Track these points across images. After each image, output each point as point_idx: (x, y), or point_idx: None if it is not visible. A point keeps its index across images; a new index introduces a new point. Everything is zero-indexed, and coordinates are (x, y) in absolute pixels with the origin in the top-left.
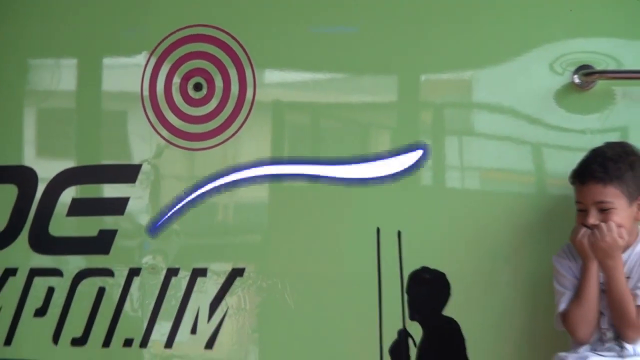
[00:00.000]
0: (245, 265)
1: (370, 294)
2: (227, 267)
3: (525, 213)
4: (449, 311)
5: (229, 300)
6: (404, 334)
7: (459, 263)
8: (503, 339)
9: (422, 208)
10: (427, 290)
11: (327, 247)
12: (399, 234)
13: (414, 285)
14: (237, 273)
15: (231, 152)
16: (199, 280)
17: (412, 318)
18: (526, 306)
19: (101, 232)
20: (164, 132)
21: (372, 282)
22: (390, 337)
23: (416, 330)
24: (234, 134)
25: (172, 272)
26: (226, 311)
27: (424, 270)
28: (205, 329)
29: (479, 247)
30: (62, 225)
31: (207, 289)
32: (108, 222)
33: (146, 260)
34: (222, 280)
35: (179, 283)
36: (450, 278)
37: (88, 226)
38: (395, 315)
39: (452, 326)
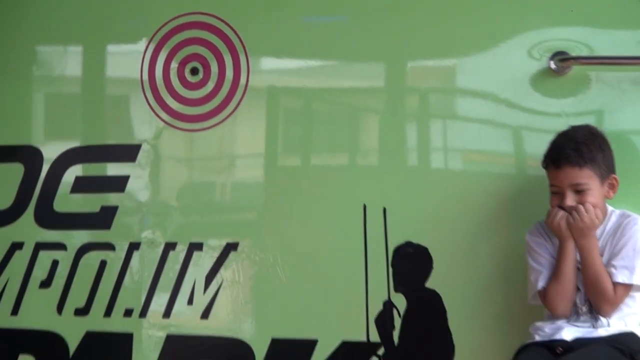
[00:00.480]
0: (239, 241)
1: (357, 267)
2: (222, 242)
3: (504, 192)
4: (431, 283)
5: (224, 273)
6: (389, 305)
7: (441, 238)
8: (483, 309)
9: (407, 187)
10: (410, 263)
11: (316, 223)
12: (384, 210)
13: (398, 259)
14: (231, 247)
15: (226, 133)
16: (196, 254)
17: (396, 290)
18: (505, 279)
19: (103, 208)
20: (163, 114)
21: (359, 255)
22: (376, 307)
23: (400, 302)
24: (228, 116)
25: (170, 247)
26: (221, 283)
27: (408, 244)
28: (201, 300)
29: (460, 224)
30: (66, 201)
31: (203, 262)
32: (110, 199)
33: (145, 235)
34: (217, 254)
35: (177, 257)
36: (432, 252)
37: (91, 203)
38: (381, 287)
39: (435, 298)
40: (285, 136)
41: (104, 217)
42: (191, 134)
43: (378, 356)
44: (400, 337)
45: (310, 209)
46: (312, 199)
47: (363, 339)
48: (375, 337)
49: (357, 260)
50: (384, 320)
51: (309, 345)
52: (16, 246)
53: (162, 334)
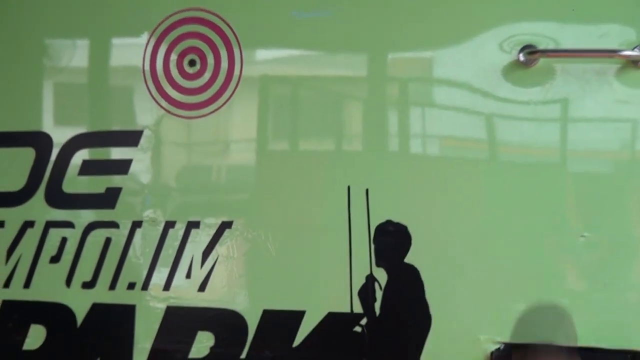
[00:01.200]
0: (233, 219)
1: (341, 244)
2: (218, 221)
3: (477, 175)
4: (410, 259)
5: (219, 249)
6: (371, 279)
7: (419, 217)
8: (457, 282)
9: (388, 170)
10: (391, 240)
11: (304, 203)
12: (367, 191)
13: (379, 236)
14: (226, 226)
15: (221, 120)
16: (193, 231)
17: (378, 265)
18: (477, 254)
19: (108, 189)
20: (163, 103)
21: (344, 233)
22: (359, 281)
23: (382, 276)
24: (223, 104)
25: (169, 225)
26: (217, 259)
27: (389, 223)
28: (199, 274)
29: (436, 204)
30: (74, 183)
31: (200, 239)
32: (114, 180)
33: (147, 214)
34: (213, 231)
35: (176, 234)
36: (411, 230)
37: (97, 184)
38: (364, 262)
39: (413, 272)
40: (275, 123)
41: (109, 198)
42: (189, 121)
43: (361, 326)
44: (381, 308)
45: (299, 190)
46: (300, 181)
47: (347, 310)
48: (358, 308)
49: (341, 237)
50: (366, 292)
51: (298, 316)
52: (28, 224)
53: (162, 306)
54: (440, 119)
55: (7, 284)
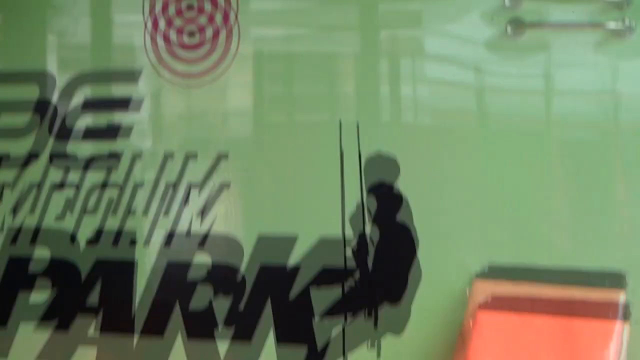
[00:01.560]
0: (229, 151)
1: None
2: (214, 153)
3: (467, 144)
4: (401, 218)
5: (216, 179)
6: (364, 238)
7: (410, 179)
8: (448, 242)
9: (380, 140)
10: (383, 200)
11: (300, 165)
12: (360, 155)
13: (372, 197)
14: (222, 157)
15: (219, 89)
16: (191, 162)
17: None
18: (465, 213)
19: (109, 124)
20: (165, 73)
21: (336, 197)
22: (350, 209)
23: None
24: (222, 75)
25: (168, 155)
26: (214, 188)
27: (381, 184)
28: (197, 201)
29: (428, 169)
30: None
31: (198, 169)
32: (115, 117)
33: (147, 146)
34: (210, 162)
35: (174, 165)
36: (402, 190)
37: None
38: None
39: (405, 230)
40: (269, 94)
41: (111, 132)
42: (188, 90)
43: (355, 281)
44: (372, 232)
45: (293, 124)
46: (295, 116)
47: (338, 234)
48: (350, 234)
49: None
50: (357, 219)
51: (291, 241)
52: (32, 156)
53: (162, 232)
54: (432, 92)
55: (14, 212)
